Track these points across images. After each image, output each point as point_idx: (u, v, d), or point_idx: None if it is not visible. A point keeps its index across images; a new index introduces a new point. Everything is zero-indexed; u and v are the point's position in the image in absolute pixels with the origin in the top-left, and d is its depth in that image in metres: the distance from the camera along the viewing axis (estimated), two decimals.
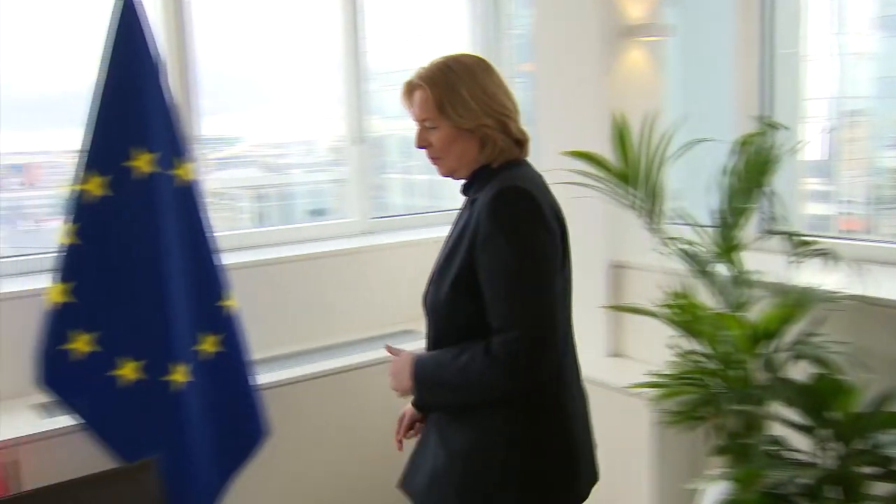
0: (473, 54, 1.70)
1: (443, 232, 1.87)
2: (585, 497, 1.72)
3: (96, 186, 2.32)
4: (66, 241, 2.32)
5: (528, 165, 1.70)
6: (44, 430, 2.39)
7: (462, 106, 1.60)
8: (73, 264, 2.33)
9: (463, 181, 1.71)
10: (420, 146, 1.68)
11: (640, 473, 2.58)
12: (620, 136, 2.14)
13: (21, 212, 3.22)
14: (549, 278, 1.55)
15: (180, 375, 2.38)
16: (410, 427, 1.85)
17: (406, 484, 1.76)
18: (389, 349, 1.79)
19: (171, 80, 2.49)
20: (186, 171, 2.44)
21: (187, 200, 2.44)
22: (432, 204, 4.25)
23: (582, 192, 2.14)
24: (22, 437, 2.35)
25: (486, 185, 1.60)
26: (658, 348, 2.47)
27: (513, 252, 1.51)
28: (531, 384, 1.53)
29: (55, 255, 2.34)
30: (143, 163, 2.34)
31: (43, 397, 2.45)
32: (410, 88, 1.67)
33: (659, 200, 2.22)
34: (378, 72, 3.67)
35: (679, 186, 3.02)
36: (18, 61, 2.87)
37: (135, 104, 2.33)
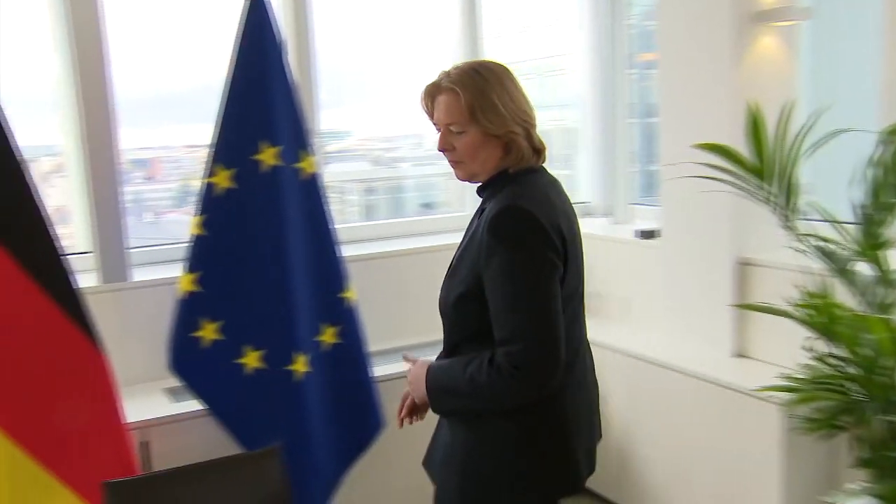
0: (497, 61, 1.70)
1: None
2: (579, 490, 1.75)
3: (223, 179, 2.39)
4: (195, 231, 2.41)
5: (543, 173, 1.72)
6: (173, 413, 2.50)
7: (493, 112, 1.61)
8: (200, 254, 2.42)
9: (478, 184, 1.73)
10: (442, 149, 1.69)
11: (770, 482, 2.45)
12: (754, 128, 2.02)
13: (143, 204, 3.37)
14: (550, 291, 1.56)
15: (301, 366, 2.43)
16: (412, 411, 1.85)
17: (427, 463, 1.85)
18: (406, 358, 1.84)
19: (294, 75, 2.54)
20: (309, 164, 2.49)
21: (310, 193, 2.49)
22: None
23: (708, 185, 2.03)
24: (153, 419, 2.47)
25: (500, 191, 1.63)
26: (787, 350, 2.34)
27: (513, 267, 1.55)
28: (536, 395, 1.57)
29: (179, 245, 2.43)
30: (268, 156, 2.39)
31: (173, 382, 2.55)
32: (435, 91, 1.67)
33: (795, 195, 2.09)
34: None
35: (814, 180, 2.86)
36: (142, 59, 3.00)
37: (262, 98, 2.40)
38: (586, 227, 1.94)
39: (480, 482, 1.67)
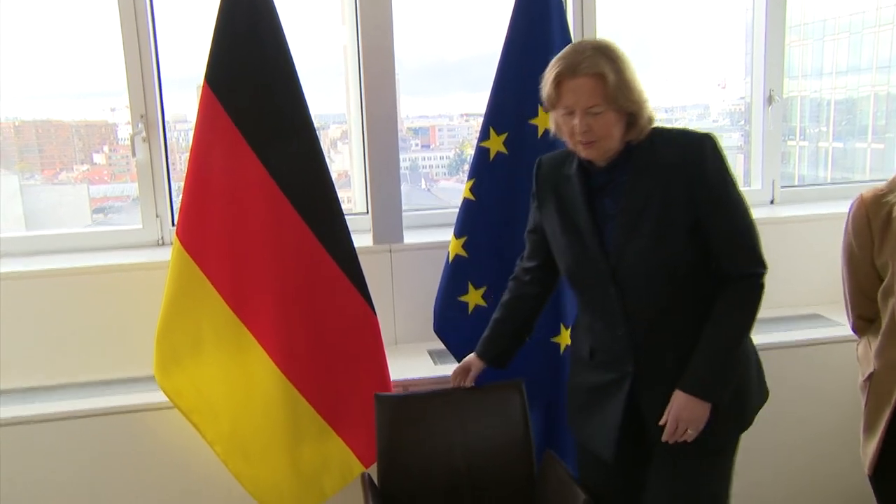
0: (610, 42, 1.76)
1: None
2: None
3: (496, 144, 2.36)
4: (465, 196, 2.41)
5: None
6: (435, 375, 2.52)
7: (631, 90, 1.70)
8: (468, 219, 2.42)
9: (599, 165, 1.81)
10: (583, 132, 1.72)
11: None
12: None
13: (418, 172, 3.46)
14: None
15: (567, 339, 2.34)
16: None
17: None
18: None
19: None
20: None
21: None
22: (841, 176, 3.70)
23: None
24: (415, 379, 2.52)
25: (634, 156, 1.77)
26: None
27: (736, 189, 1.75)
28: None
29: (449, 210, 2.44)
30: (545, 121, 2.31)
31: (439, 344, 2.59)
32: (568, 77, 1.70)
33: None
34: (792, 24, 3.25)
35: None
36: (421, 31, 3.04)
37: (541, 61, 2.31)
38: None
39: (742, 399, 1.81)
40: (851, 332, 2.74)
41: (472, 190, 2.40)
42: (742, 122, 3.49)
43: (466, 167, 2.49)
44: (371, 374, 2.35)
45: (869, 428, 1.71)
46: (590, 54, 1.69)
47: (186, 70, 2.84)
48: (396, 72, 2.78)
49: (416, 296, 2.75)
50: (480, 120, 2.44)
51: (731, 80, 3.50)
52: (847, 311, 1.80)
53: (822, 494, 2.90)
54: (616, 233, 1.76)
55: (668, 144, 1.76)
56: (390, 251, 2.80)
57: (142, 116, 2.75)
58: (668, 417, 1.72)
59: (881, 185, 1.69)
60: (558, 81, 1.71)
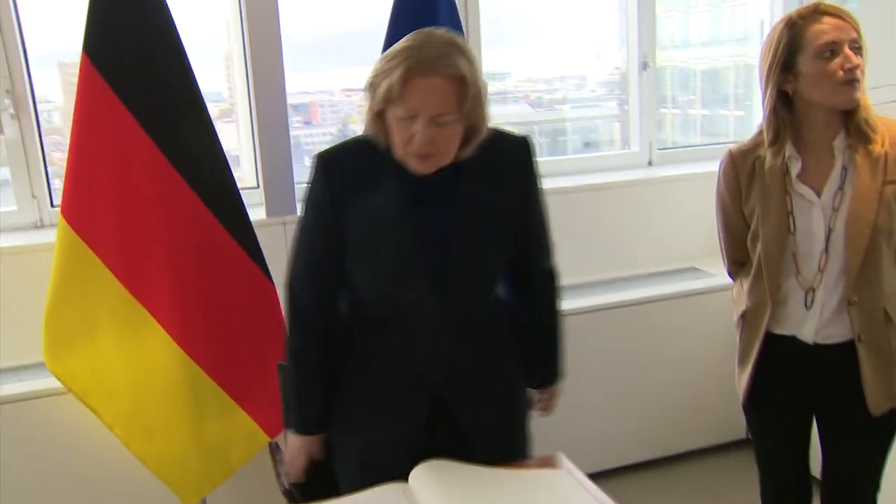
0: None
1: None
2: None
3: None
4: None
5: None
6: None
7: (483, 101, 1.50)
8: None
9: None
10: (425, 143, 1.46)
11: None
12: None
13: (301, 148, 3.44)
14: None
15: None
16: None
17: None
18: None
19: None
20: None
21: None
22: (710, 142, 3.94)
23: None
24: None
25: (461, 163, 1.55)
26: None
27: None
28: None
29: None
30: None
31: None
32: (425, 74, 1.42)
33: None
34: None
35: None
36: (303, 4, 3.01)
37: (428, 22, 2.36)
38: None
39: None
40: (724, 282, 2.98)
41: None
42: (618, 92, 3.65)
43: None
44: (272, 345, 2.34)
45: (742, 360, 1.88)
46: (447, 50, 1.43)
47: (47, 46, 2.70)
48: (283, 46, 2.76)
49: None
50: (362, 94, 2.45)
51: (606, 50, 3.64)
52: (722, 258, 1.95)
53: (703, 425, 3.15)
54: (448, 248, 1.57)
55: (494, 148, 1.57)
56: (284, 224, 2.79)
57: (8, 91, 2.61)
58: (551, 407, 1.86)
59: (746, 140, 1.84)
60: (406, 78, 1.41)
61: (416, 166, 1.50)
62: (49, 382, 2.30)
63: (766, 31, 3.54)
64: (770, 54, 1.72)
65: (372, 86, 1.49)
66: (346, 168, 1.58)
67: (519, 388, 1.77)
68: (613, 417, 3.00)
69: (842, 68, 1.63)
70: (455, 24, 2.42)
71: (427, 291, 1.57)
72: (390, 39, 2.39)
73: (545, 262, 1.73)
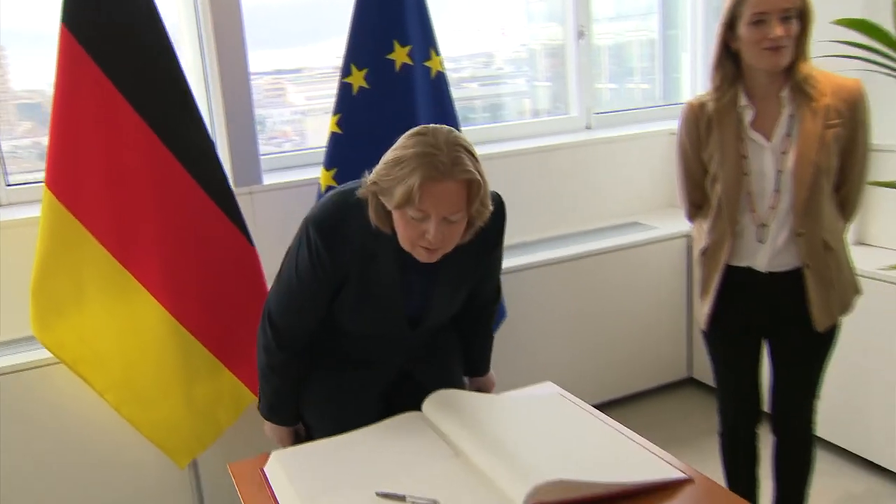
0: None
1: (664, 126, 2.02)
2: None
3: (358, 79, 2.50)
4: (332, 129, 2.54)
5: None
6: None
7: (488, 194, 1.60)
8: (336, 152, 2.55)
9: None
10: (436, 240, 1.56)
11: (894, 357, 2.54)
12: None
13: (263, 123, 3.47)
14: None
15: None
16: None
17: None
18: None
19: None
20: (437, 63, 2.57)
21: (439, 91, 2.58)
22: None
23: (842, 65, 2.03)
24: None
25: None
26: None
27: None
28: None
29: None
30: (400, 55, 2.49)
31: None
32: (440, 180, 1.49)
33: None
34: None
35: None
36: None
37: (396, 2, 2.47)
38: None
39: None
40: (665, 233, 3.23)
41: (338, 124, 2.53)
42: (526, 69, 3.81)
43: None
44: (254, 306, 2.41)
45: (703, 292, 2.09)
46: (458, 155, 1.49)
47: None
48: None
49: (282, 236, 2.82)
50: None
51: (511, 28, 3.76)
52: (681, 201, 2.15)
53: (650, 367, 3.40)
54: (427, 307, 1.76)
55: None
56: (251, 194, 2.85)
57: None
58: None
59: (701, 94, 2.05)
60: (424, 185, 1.46)
61: (424, 258, 1.59)
62: (38, 354, 2.33)
63: (689, 4, 3.83)
64: (722, 13, 1.93)
65: (380, 188, 1.54)
66: (348, 243, 1.65)
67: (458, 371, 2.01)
68: (567, 363, 3.20)
69: (766, 37, 1.85)
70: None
71: (403, 332, 1.78)
72: (360, 4, 2.49)
73: (493, 293, 1.96)
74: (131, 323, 2.30)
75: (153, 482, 2.56)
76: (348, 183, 1.69)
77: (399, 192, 1.49)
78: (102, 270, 2.26)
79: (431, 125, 1.56)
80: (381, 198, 1.56)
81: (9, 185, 2.74)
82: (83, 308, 2.27)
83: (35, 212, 2.34)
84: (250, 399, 2.48)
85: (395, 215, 1.57)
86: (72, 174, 2.20)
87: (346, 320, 1.77)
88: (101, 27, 2.17)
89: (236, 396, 2.48)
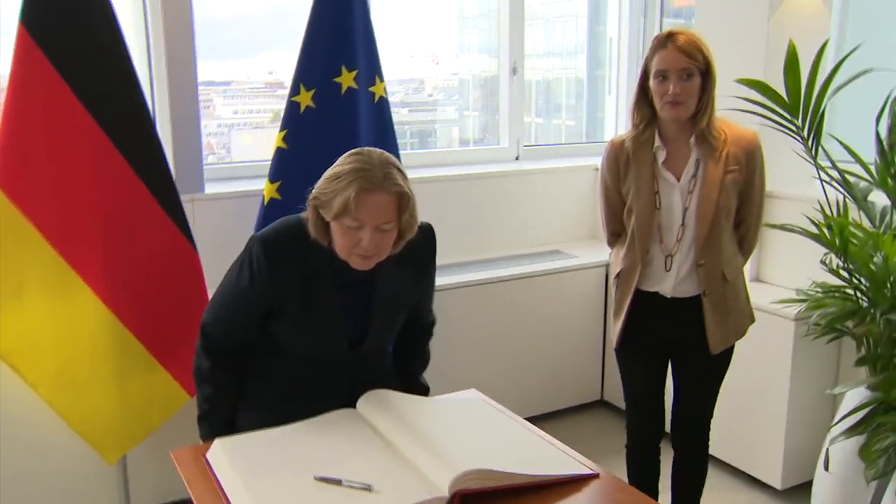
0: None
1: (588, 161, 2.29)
2: None
3: (306, 98, 2.64)
4: (278, 144, 2.67)
5: None
6: None
7: (416, 207, 1.76)
8: (280, 165, 2.68)
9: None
10: (370, 247, 1.71)
11: (782, 383, 2.82)
12: (791, 65, 2.28)
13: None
14: None
15: None
16: None
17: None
18: None
19: None
20: (380, 89, 2.74)
21: (381, 115, 2.74)
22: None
23: (741, 118, 2.28)
24: None
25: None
26: (800, 274, 2.67)
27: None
28: None
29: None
30: (347, 79, 2.64)
31: None
32: (371, 192, 1.65)
33: (821, 130, 2.36)
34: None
35: (844, 121, 3.13)
36: None
37: (344, 23, 2.64)
38: None
39: None
40: (584, 262, 3.46)
41: (284, 139, 2.66)
42: (456, 97, 4.00)
43: None
44: (194, 308, 2.50)
45: (616, 312, 2.31)
46: (389, 171, 1.68)
47: None
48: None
49: (222, 245, 2.89)
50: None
51: (443, 56, 3.96)
52: (603, 229, 2.37)
53: (565, 388, 3.61)
54: (367, 321, 1.88)
55: (409, 243, 1.82)
56: (192, 201, 2.94)
57: None
58: None
59: (622, 134, 2.27)
60: (359, 196, 1.64)
61: (359, 265, 1.75)
62: None
63: (615, 48, 4.13)
64: (641, 64, 2.17)
65: (320, 202, 1.71)
66: (288, 258, 1.79)
67: None
68: (488, 379, 3.31)
69: (667, 92, 2.09)
70: (364, 9, 2.71)
71: (345, 349, 1.88)
72: (312, 27, 2.64)
73: (428, 318, 2.10)
74: (70, 318, 2.37)
75: (80, 477, 2.61)
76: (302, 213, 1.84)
77: (337, 203, 1.66)
78: (46, 265, 2.32)
79: (367, 147, 1.76)
80: (320, 210, 1.73)
81: None
82: (23, 301, 2.32)
83: None
84: (184, 399, 2.56)
85: (334, 226, 1.73)
86: (20, 170, 2.26)
87: (288, 341, 1.88)
88: (57, 26, 2.25)
89: (171, 395, 2.56)
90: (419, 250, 1.86)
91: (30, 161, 2.27)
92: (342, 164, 1.72)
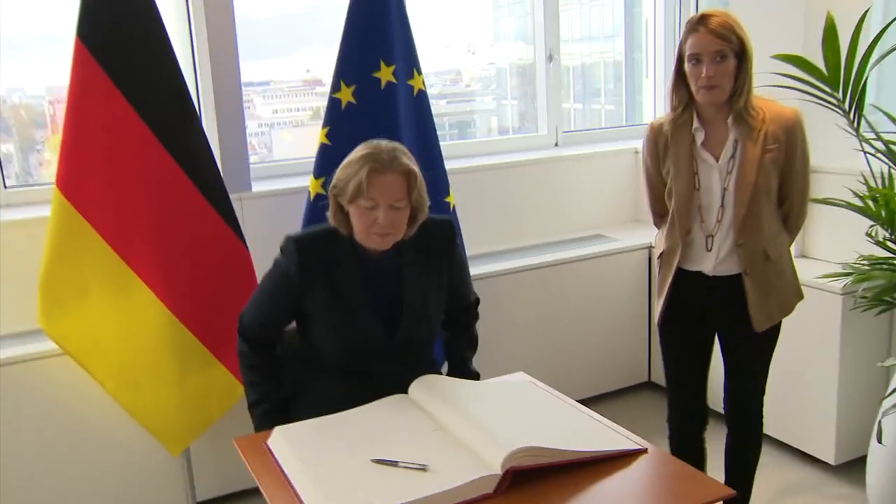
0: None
1: (628, 145, 2.43)
2: None
3: (346, 94, 2.70)
4: (322, 141, 2.74)
5: None
6: None
7: (425, 189, 1.96)
8: (325, 162, 2.74)
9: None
10: (386, 225, 1.87)
11: (831, 357, 2.81)
12: (830, 37, 2.26)
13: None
14: None
15: None
16: None
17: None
18: None
19: None
20: (419, 83, 2.79)
21: (420, 108, 2.79)
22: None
23: (780, 94, 2.28)
24: None
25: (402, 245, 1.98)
26: (845, 249, 2.65)
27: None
28: None
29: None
30: (386, 74, 2.70)
31: None
32: (382, 172, 1.85)
33: (863, 101, 2.34)
34: None
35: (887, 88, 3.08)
36: None
37: (382, 19, 2.69)
38: None
39: None
40: (627, 244, 3.47)
41: (327, 136, 2.73)
42: (493, 87, 4.01)
43: None
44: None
45: (660, 291, 2.34)
46: (396, 154, 1.87)
47: None
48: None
49: (270, 240, 2.98)
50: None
51: (479, 46, 3.98)
52: (650, 211, 2.40)
53: (611, 371, 3.62)
54: (399, 320, 1.98)
55: (425, 231, 1.99)
56: (240, 199, 3.02)
57: None
58: None
59: (661, 116, 2.29)
60: (370, 176, 1.83)
61: (378, 244, 1.90)
62: (36, 347, 2.51)
63: (651, 30, 4.11)
64: (677, 47, 2.18)
65: (338, 188, 1.90)
66: (315, 252, 1.95)
67: None
68: (534, 364, 3.32)
69: (701, 75, 2.10)
70: (400, 6, 2.76)
71: (382, 341, 1.98)
72: (350, 24, 2.70)
73: (469, 299, 2.23)
74: (131, 316, 2.47)
75: (147, 469, 2.72)
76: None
77: (351, 186, 1.86)
78: (106, 266, 2.42)
79: (376, 139, 1.94)
80: (339, 199, 1.91)
81: (6, 188, 2.90)
82: (87, 302, 2.43)
83: (30, 213, 2.60)
84: (241, 392, 2.64)
85: (351, 210, 1.89)
86: (80, 178, 2.37)
87: (326, 343, 1.98)
88: (111, 38, 2.35)
89: (227, 388, 2.65)
90: (439, 242, 2.03)
91: (89, 168, 2.37)
92: (353, 153, 1.92)
